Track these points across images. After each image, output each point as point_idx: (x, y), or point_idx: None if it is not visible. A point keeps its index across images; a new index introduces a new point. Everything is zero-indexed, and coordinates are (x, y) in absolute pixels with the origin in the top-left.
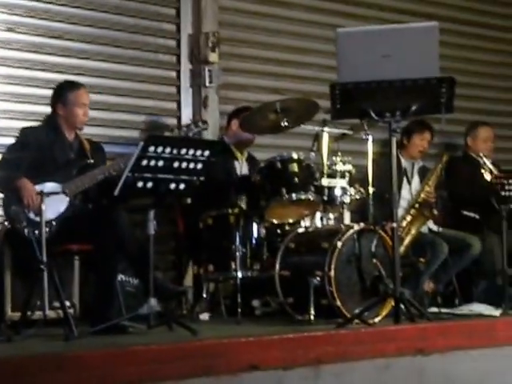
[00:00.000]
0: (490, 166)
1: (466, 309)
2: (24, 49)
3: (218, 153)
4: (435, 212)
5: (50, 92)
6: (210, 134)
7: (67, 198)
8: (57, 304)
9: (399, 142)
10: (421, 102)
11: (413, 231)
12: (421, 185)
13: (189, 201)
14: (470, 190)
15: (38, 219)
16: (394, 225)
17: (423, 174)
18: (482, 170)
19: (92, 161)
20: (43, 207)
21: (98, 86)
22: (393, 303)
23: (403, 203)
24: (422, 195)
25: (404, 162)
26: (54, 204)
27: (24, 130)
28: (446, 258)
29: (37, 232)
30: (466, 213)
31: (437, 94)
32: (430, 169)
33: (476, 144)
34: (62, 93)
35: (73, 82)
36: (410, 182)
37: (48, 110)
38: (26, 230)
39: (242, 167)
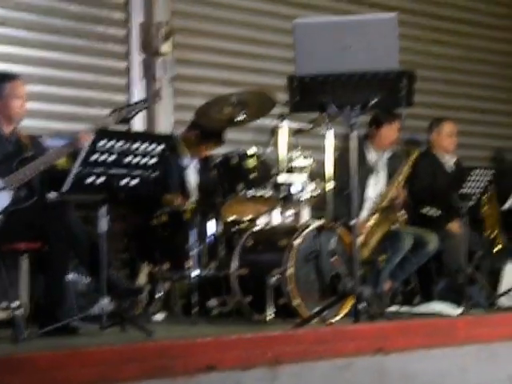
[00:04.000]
0: (451, 164)
1: (425, 308)
2: None
3: (172, 147)
4: (401, 213)
5: None
6: (162, 127)
7: (10, 192)
8: (4, 304)
9: (366, 133)
10: (380, 95)
11: (377, 235)
12: (388, 184)
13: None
14: (431, 186)
15: None
16: (353, 222)
17: (392, 165)
18: (443, 167)
19: (31, 153)
20: None
21: (45, 77)
22: (352, 302)
23: (367, 204)
24: (390, 194)
25: (372, 155)
26: None
27: None
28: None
29: None
30: (424, 211)
31: (397, 87)
32: (399, 156)
33: (440, 139)
34: None
35: (8, 74)
36: (378, 180)
37: None
38: None
39: (188, 161)
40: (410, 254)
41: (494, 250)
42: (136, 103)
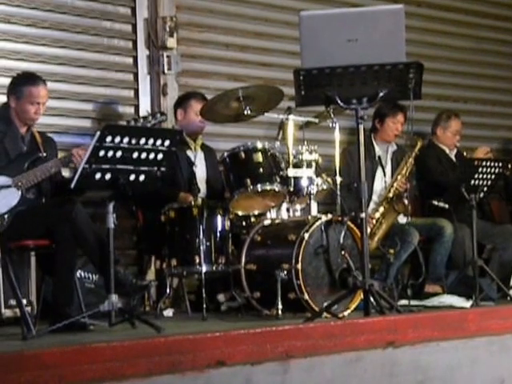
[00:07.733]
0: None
1: (436, 300)
2: None
3: (179, 142)
4: (406, 203)
5: (4, 80)
6: (169, 125)
7: (19, 192)
8: (13, 302)
9: (371, 126)
10: (388, 87)
11: (384, 225)
12: (394, 175)
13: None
14: (439, 178)
15: None
16: (363, 215)
17: (396, 158)
18: (449, 158)
19: (44, 154)
20: None
21: (50, 73)
22: (362, 296)
23: (375, 197)
24: (395, 185)
25: (378, 149)
26: (6, 198)
27: None
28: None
29: None
30: (435, 202)
31: (404, 79)
32: (403, 150)
33: (445, 135)
34: (17, 85)
35: (31, 76)
36: (384, 173)
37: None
38: None
39: (196, 156)
40: (433, 246)
41: None
42: (152, 115)
